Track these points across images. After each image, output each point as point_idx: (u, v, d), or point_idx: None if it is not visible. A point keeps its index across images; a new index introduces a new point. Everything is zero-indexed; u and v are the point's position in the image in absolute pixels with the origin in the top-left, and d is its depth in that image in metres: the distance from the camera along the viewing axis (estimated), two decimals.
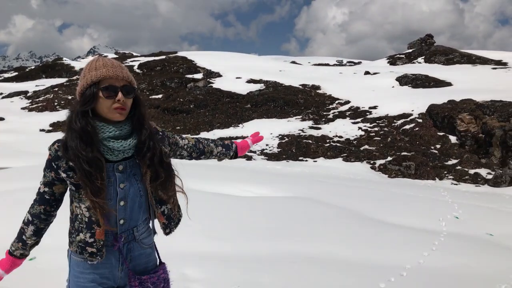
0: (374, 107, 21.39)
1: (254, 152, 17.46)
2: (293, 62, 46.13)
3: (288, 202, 8.13)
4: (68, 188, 1.98)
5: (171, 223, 2.08)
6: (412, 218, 7.36)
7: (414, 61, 39.66)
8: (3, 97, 41.04)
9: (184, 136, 2.30)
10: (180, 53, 42.53)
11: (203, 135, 20.65)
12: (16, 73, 63.73)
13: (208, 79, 31.41)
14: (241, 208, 7.55)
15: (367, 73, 31.20)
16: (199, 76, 32.99)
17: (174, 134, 2.25)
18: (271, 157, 16.69)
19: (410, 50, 42.80)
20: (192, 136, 2.44)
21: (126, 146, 1.88)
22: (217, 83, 30.13)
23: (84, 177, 1.82)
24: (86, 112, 1.85)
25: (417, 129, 17.49)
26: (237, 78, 31.40)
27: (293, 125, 20.59)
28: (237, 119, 23.08)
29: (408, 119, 18.71)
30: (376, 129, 18.57)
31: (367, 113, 20.80)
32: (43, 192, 1.99)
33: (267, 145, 18.02)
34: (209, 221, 6.28)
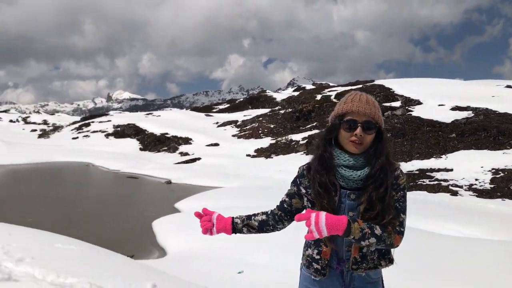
0: None
1: (461, 187, 15.66)
2: (509, 86, 40.33)
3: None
4: (305, 205, 2.18)
5: (363, 263, 2.00)
6: None
7: None
8: (218, 126, 47.30)
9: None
10: (377, 81, 41.91)
11: (402, 166, 19.53)
12: (228, 105, 72.93)
13: (406, 107, 29.97)
14: (445, 249, 6.73)
15: None
16: (396, 104, 31.80)
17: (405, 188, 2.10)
18: (481, 193, 14.68)
19: None
20: None
21: (355, 177, 1.97)
22: (417, 111, 28.46)
23: (316, 196, 2.00)
24: (329, 140, 2.05)
25: None
26: (439, 105, 29.07)
27: (510, 158, 17.80)
28: (440, 150, 21.22)
29: None
30: None
31: None
32: (283, 201, 2.23)
33: (476, 179, 15.96)
34: (416, 262, 5.75)
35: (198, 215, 2.30)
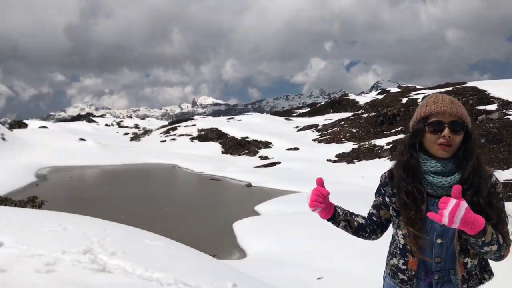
0: None
1: None
2: None
3: None
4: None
5: (470, 280, 1.89)
6: None
7: None
8: (298, 130, 47.28)
9: None
10: (470, 83, 39.12)
11: (498, 174, 18.04)
12: (309, 109, 72.64)
13: (503, 111, 27.63)
14: None
15: None
16: (492, 107, 29.44)
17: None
18: None
19: None
20: None
21: (445, 183, 1.85)
22: None
23: (401, 206, 1.91)
24: (413, 145, 1.95)
25: None
26: None
27: None
28: None
29: None
30: None
31: None
32: (371, 213, 2.18)
33: None
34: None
35: (319, 182, 2.06)
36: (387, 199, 2.04)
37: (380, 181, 2.09)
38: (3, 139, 32.99)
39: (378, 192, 2.10)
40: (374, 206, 2.15)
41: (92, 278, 3.57)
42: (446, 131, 1.83)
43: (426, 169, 1.88)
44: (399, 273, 1.97)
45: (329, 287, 6.70)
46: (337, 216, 2.13)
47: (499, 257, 1.78)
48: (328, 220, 2.14)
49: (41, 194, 14.01)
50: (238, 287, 4.14)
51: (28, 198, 11.62)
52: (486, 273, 1.94)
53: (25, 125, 63.83)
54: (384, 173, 2.09)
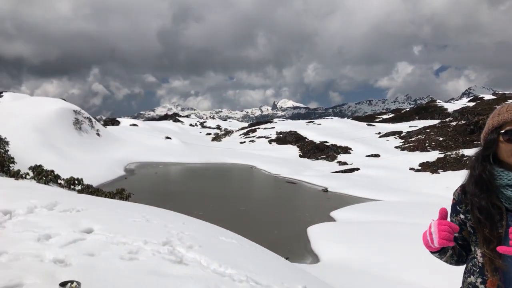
0: None
1: None
2: None
3: None
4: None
5: None
6: None
7: None
8: (380, 136, 45.73)
9: None
10: None
11: None
12: (393, 115, 69.94)
13: None
14: None
15: None
16: None
17: None
18: None
19: None
20: None
21: None
22: None
23: (476, 223, 1.79)
24: (487, 157, 1.83)
25: None
26: None
27: None
28: None
29: None
30: None
31: None
32: (455, 237, 1.93)
33: None
34: None
35: (444, 214, 1.81)
36: (463, 216, 1.89)
37: (454, 199, 1.94)
38: (98, 134, 35.91)
39: (455, 211, 1.93)
40: None
41: (169, 268, 3.76)
42: None
43: (503, 183, 1.76)
44: None
45: None
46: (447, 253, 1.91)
47: None
48: (434, 252, 1.91)
49: (128, 187, 15.04)
50: None
51: (117, 190, 12.51)
52: None
53: (117, 123, 68.87)
54: (456, 190, 1.94)
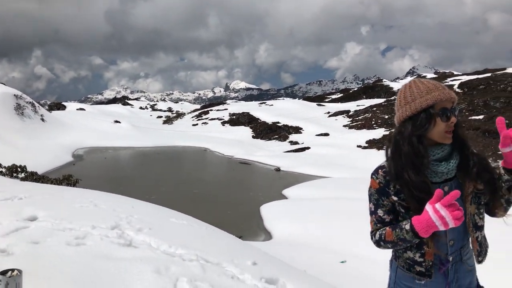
0: None
1: None
2: None
3: None
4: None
5: (482, 251, 1.96)
6: None
7: None
8: (329, 116, 46.81)
9: None
10: (510, 69, 37.56)
11: None
12: (341, 95, 71.62)
13: None
14: None
15: None
16: None
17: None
18: None
19: None
20: None
21: (450, 168, 1.84)
22: None
23: (413, 201, 1.81)
24: (420, 137, 1.84)
25: None
26: None
27: None
28: None
29: None
30: None
31: None
32: (389, 222, 1.94)
33: None
34: None
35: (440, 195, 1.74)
36: (394, 197, 1.89)
37: (379, 183, 1.91)
38: (43, 120, 34.31)
39: (384, 194, 1.91)
40: (388, 212, 1.93)
41: (118, 252, 3.76)
42: (454, 118, 1.80)
43: (431, 158, 1.85)
44: (415, 266, 1.92)
45: (352, 271, 6.76)
46: None
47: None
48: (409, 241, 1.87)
49: (76, 173, 14.60)
50: (258, 265, 4.25)
51: (64, 177, 12.12)
52: (486, 241, 2.00)
53: (64, 107, 66.00)
54: (378, 173, 1.93)
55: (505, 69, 39.02)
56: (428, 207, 1.67)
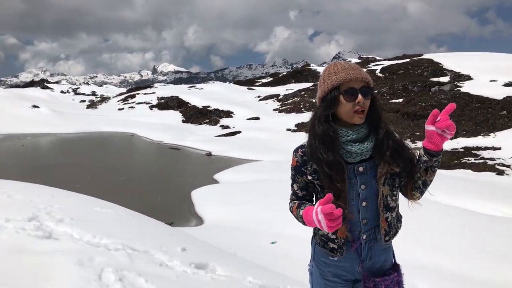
0: None
1: (508, 166, 14.96)
2: None
3: None
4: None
5: (390, 232, 2.05)
6: None
7: None
8: (260, 100, 47.26)
9: None
10: (426, 55, 40.20)
11: (446, 143, 18.85)
12: (271, 79, 72.50)
13: (455, 83, 28.69)
14: (482, 227, 6.54)
15: None
16: (445, 79, 30.47)
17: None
18: None
19: None
20: None
21: (363, 149, 1.91)
22: (466, 87, 27.21)
23: (326, 179, 1.90)
24: (327, 117, 1.92)
25: None
26: (491, 81, 27.63)
27: None
28: (488, 128, 20.26)
29: None
30: None
31: None
32: (302, 197, 2.06)
33: None
34: (443, 235, 5.64)
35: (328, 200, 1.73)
36: (309, 177, 1.98)
37: (297, 161, 2.01)
38: None
39: (300, 173, 2.01)
40: (301, 188, 2.05)
41: (37, 245, 3.52)
42: (360, 97, 1.84)
43: (343, 140, 1.91)
44: (329, 242, 2.01)
45: (281, 250, 6.93)
46: None
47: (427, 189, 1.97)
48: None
49: None
50: (187, 251, 4.21)
51: None
52: (399, 222, 2.09)
53: None
54: (297, 152, 2.02)
55: (421, 55, 41.64)
56: (315, 206, 1.75)
